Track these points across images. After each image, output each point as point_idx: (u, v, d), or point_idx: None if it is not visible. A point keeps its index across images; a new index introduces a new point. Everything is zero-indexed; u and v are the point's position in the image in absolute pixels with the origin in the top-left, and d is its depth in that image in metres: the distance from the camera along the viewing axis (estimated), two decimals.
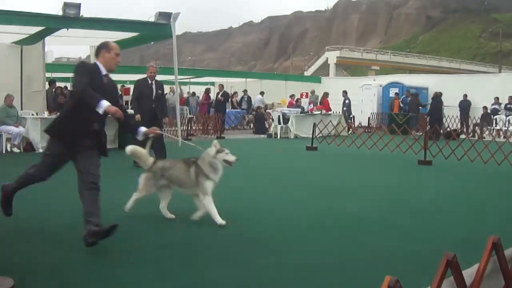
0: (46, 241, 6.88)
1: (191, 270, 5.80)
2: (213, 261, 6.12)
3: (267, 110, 31.31)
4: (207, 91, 33.09)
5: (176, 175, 8.10)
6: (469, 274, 2.55)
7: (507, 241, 2.91)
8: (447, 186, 12.13)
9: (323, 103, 28.96)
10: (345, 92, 32.28)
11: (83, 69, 6.75)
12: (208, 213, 7.70)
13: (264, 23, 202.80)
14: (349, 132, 23.46)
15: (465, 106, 30.48)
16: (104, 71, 6.80)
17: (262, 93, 33.69)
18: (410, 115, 28.76)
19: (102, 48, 6.86)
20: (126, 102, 19.69)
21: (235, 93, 35.59)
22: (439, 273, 2.30)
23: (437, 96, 28.81)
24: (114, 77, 21.44)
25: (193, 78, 39.67)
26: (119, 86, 22.17)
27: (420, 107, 29.84)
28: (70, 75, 34.55)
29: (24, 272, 5.51)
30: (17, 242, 6.78)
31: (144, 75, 14.79)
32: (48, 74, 24.32)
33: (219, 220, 7.69)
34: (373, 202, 10.02)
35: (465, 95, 30.60)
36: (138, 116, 13.91)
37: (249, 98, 34.62)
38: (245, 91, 35.37)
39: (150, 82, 14.29)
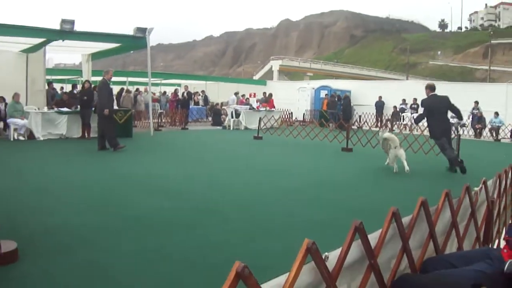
0: (46, 210, 6.78)
1: (155, 236, 5.76)
2: (173, 228, 6.11)
3: (223, 107, 31.17)
4: (176, 91, 32.85)
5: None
6: (374, 237, 2.57)
7: (404, 210, 2.94)
8: (363, 169, 12.27)
9: (269, 102, 29.01)
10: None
11: None
12: None
13: (222, 37, 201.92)
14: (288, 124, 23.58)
15: (379, 105, 31.10)
16: None
17: (236, 93, 33.40)
18: (332, 112, 29.15)
19: None
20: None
21: (196, 92, 35.44)
22: (349, 236, 2.30)
23: (346, 97, 29.94)
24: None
25: (164, 80, 39.39)
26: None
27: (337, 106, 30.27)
28: (65, 77, 34.69)
29: (26, 236, 5.44)
30: (20, 211, 6.65)
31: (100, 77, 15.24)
32: (48, 77, 24.24)
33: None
34: (305, 180, 10.13)
35: (380, 97, 31.19)
36: (107, 111, 14.23)
37: (205, 97, 34.63)
38: (202, 91, 35.47)
39: (108, 83, 14.76)
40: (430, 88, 12.19)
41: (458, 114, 12.45)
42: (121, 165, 11.63)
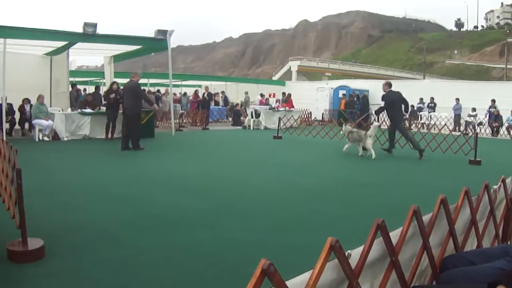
0: (71, 208, 6.85)
1: (178, 233, 5.80)
2: (196, 225, 6.14)
3: (242, 107, 31.22)
4: (196, 92, 33.04)
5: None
6: (395, 234, 2.57)
7: (425, 208, 2.94)
8: (382, 167, 12.21)
9: (288, 102, 28.97)
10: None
11: None
12: None
13: (241, 38, 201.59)
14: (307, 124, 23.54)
15: None
16: None
17: (262, 94, 33.62)
18: (350, 111, 29.11)
19: None
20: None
21: (217, 93, 35.55)
22: (371, 234, 2.31)
23: (365, 97, 29.91)
24: (124, 81, 20.89)
25: (184, 81, 39.58)
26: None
27: (355, 105, 30.19)
28: (88, 79, 34.89)
29: (52, 234, 5.50)
30: (46, 209, 6.73)
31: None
32: (71, 79, 24.49)
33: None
34: (326, 178, 10.15)
35: None
36: (156, 106, 16.14)
37: (226, 98, 34.75)
38: (222, 92, 35.61)
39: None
40: (389, 85, 15.10)
41: (407, 106, 15.15)
42: (144, 164, 11.73)
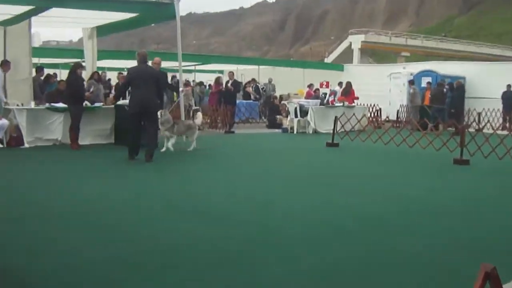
0: (43, 243, 6.91)
1: (193, 275, 5.83)
2: (218, 265, 6.18)
3: (282, 102, 30.87)
4: (218, 81, 32.26)
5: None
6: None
7: None
8: (486, 189, 12.06)
9: (349, 94, 28.64)
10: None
11: None
12: None
13: (279, 2, 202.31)
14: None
15: (508, 97, 29.77)
16: None
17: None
18: (437, 108, 28.17)
19: None
20: None
21: (248, 82, 35.35)
22: (477, 286, 2.30)
23: (461, 86, 29.11)
24: (111, 63, 21.50)
25: (199, 65, 39.51)
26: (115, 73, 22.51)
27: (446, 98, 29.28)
28: (59, 60, 33.93)
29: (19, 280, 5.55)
30: (11, 244, 6.81)
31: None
32: (35, 60, 24.20)
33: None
34: (401, 204, 10.05)
35: (509, 86, 29.87)
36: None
37: (257, 88, 34.20)
38: (254, 80, 35.31)
39: None
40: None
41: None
42: (144, 181, 11.90)
